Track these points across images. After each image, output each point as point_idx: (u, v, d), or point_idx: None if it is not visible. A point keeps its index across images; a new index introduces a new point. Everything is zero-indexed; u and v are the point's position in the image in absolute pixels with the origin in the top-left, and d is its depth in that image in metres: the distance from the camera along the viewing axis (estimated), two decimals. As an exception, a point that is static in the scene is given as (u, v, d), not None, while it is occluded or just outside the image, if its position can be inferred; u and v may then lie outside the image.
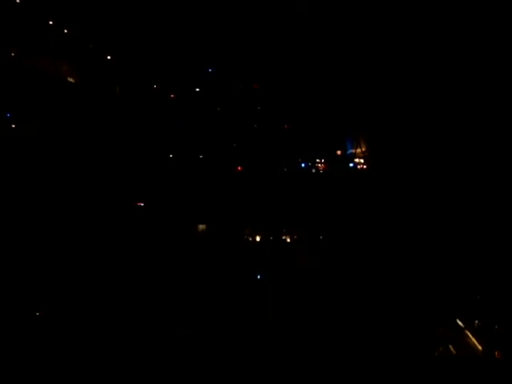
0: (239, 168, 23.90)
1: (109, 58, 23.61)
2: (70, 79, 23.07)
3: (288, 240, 23.24)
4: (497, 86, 20.93)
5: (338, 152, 24.41)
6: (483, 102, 21.07)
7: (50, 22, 22.70)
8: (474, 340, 19.43)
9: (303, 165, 24.17)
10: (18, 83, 21.77)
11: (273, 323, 19.35)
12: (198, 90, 24.28)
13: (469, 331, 19.73)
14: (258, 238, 23.19)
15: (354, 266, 21.53)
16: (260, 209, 23.08)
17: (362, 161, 24.01)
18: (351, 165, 24.12)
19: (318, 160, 24.25)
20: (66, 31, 23.02)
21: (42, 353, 17.31)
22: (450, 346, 19.29)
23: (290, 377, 17.36)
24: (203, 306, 19.78)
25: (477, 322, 19.84)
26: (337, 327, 19.36)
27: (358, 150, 24.13)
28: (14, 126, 21.70)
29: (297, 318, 19.76)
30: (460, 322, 20.00)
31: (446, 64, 21.68)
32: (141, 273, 20.59)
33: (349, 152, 24.31)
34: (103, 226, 21.67)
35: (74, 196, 21.59)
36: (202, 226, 23.36)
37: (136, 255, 21.27)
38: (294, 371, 17.61)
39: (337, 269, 21.60)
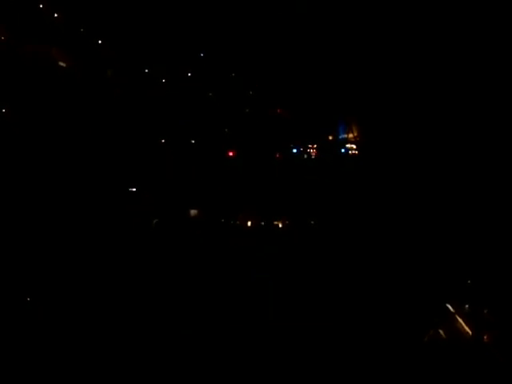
0: (231, 153, 23.86)
1: (100, 42, 23.52)
2: (61, 63, 22.96)
3: (280, 225, 23.25)
4: (490, 69, 20.89)
5: (330, 137, 24.37)
6: (475, 85, 21.00)
7: (40, 6, 22.59)
8: (463, 324, 19.49)
9: (295, 150, 24.14)
10: (7, 66, 21.65)
11: (268, 316, 19.38)
12: (189, 74, 24.21)
13: (459, 316, 19.78)
14: (249, 224, 23.21)
15: (345, 251, 21.54)
16: (252, 194, 23.07)
17: (353, 146, 23.97)
18: (343, 150, 24.08)
19: (309, 145, 24.21)
20: (56, 15, 22.91)
21: (41, 351, 17.30)
22: (440, 331, 19.36)
23: (290, 377, 17.39)
24: (197, 296, 19.80)
25: (467, 306, 19.88)
26: (327, 315, 19.40)
27: (350, 135, 24.08)
28: (3, 110, 21.65)
29: (288, 303, 19.85)
30: (450, 307, 20.04)
31: (438, 49, 21.60)
32: (134, 262, 20.56)
33: (341, 137, 24.27)
34: (95, 211, 21.62)
35: (66, 181, 21.52)
36: (193, 211, 23.36)
37: (128, 242, 21.23)
38: (294, 369, 17.63)
39: (329, 255, 21.60)
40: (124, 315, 18.71)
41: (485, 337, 18.78)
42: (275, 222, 23.22)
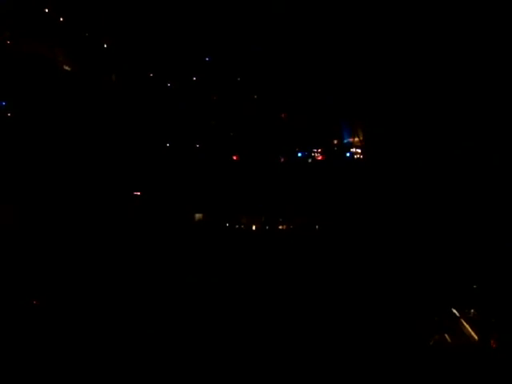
0: (235, 157, 23.85)
1: (105, 46, 23.54)
2: (66, 67, 22.97)
3: (284, 229, 23.25)
4: (493, 71, 20.89)
5: (335, 141, 24.35)
6: (480, 88, 21.00)
7: (46, 10, 22.61)
8: (469, 329, 19.44)
9: (300, 154, 24.12)
10: (13, 71, 21.66)
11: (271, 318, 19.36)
12: (194, 78, 24.23)
13: (464, 320, 19.74)
14: (253, 227, 23.21)
15: (350, 256, 21.52)
16: (256, 198, 23.06)
17: (358, 150, 23.94)
18: (348, 154, 24.05)
19: (314, 149, 24.19)
20: (61, 19, 22.93)
21: (40, 350, 17.30)
22: (446, 335, 19.31)
23: (290, 377, 17.36)
24: (200, 298, 19.79)
25: (472, 311, 19.84)
26: (332, 319, 19.37)
27: (356, 139, 24.06)
28: (9, 114, 21.67)
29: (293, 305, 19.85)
30: (456, 311, 20.00)
31: (442, 51, 21.60)
32: (138, 264, 20.56)
33: (346, 141, 24.25)
34: (100, 215, 21.63)
35: (70, 185, 21.52)
36: (198, 216, 23.36)
37: (133, 245, 21.23)
38: (294, 370, 17.60)
39: (334, 259, 21.58)
40: (126, 316, 18.76)
41: (491, 342, 18.74)
42: (280, 227, 23.22)
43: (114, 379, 16.69)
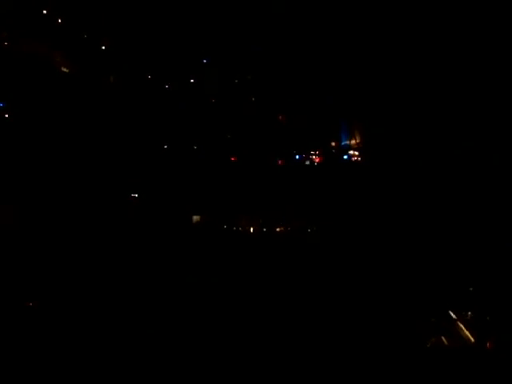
0: (233, 159, 23.87)
1: (103, 47, 23.53)
2: (64, 69, 22.96)
3: (282, 231, 23.28)
4: (493, 72, 20.97)
5: (333, 143, 24.39)
6: (479, 89, 21.06)
7: (44, 12, 22.60)
8: (466, 331, 19.52)
9: (297, 156, 24.15)
10: (11, 73, 21.64)
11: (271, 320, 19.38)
12: (192, 80, 24.25)
13: (461, 322, 19.82)
14: (251, 230, 23.23)
15: (347, 258, 21.56)
16: (254, 200, 23.08)
17: (356, 153, 23.98)
18: (345, 157, 24.09)
19: (312, 152, 24.22)
20: (59, 20, 22.91)
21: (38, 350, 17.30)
22: (443, 337, 19.39)
23: (288, 378, 17.39)
24: (199, 300, 19.80)
25: (469, 313, 19.92)
26: (328, 319, 19.41)
27: (353, 142, 24.11)
28: (6, 115, 21.64)
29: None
30: (452, 314, 20.07)
31: (442, 52, 21.65)
32: (135, 266, 20.56)
33: (343, 143, 24.30)
34: (97, 217, 21.61)
35: (67, 187, 21.51)
36: (196, 217, 23.37)
37: (131, 246, 21.23)
38: (291, 371, 17.63)
39: (331, 261, 21.62)
40: (125, 317, 18.76)
41: (487, 344, 18.83)
42: (277, 229, 23.25)
43: (114, 379, 16.72)
